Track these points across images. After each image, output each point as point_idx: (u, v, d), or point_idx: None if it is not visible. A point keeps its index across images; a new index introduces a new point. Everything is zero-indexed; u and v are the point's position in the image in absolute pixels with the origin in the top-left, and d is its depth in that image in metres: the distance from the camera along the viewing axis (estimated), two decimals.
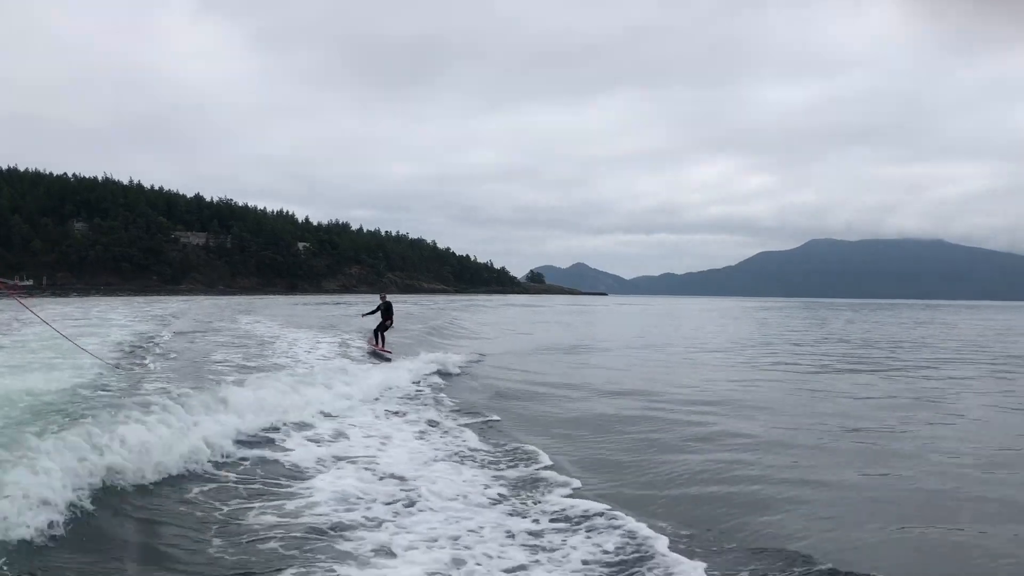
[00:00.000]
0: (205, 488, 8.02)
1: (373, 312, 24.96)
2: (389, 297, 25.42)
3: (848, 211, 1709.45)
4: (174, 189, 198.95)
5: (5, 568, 5.55)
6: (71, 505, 6.65)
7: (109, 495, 7.23)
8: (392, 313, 24.54)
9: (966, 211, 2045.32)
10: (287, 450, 9.86)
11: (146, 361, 18.73)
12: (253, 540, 6.55)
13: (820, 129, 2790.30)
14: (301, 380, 14.03)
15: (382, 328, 24.34)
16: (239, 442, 9.84)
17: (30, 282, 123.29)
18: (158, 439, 8.60)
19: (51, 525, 6.27)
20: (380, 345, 23.94)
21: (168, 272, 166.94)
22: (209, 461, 8.90)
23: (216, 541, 6.53)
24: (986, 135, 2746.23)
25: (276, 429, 10.82)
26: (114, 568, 5.99)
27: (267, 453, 9.62)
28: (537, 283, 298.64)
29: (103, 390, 13.05)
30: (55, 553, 5.99)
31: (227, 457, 9.23)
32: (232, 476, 8.57)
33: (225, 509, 7.36)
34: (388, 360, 21.31)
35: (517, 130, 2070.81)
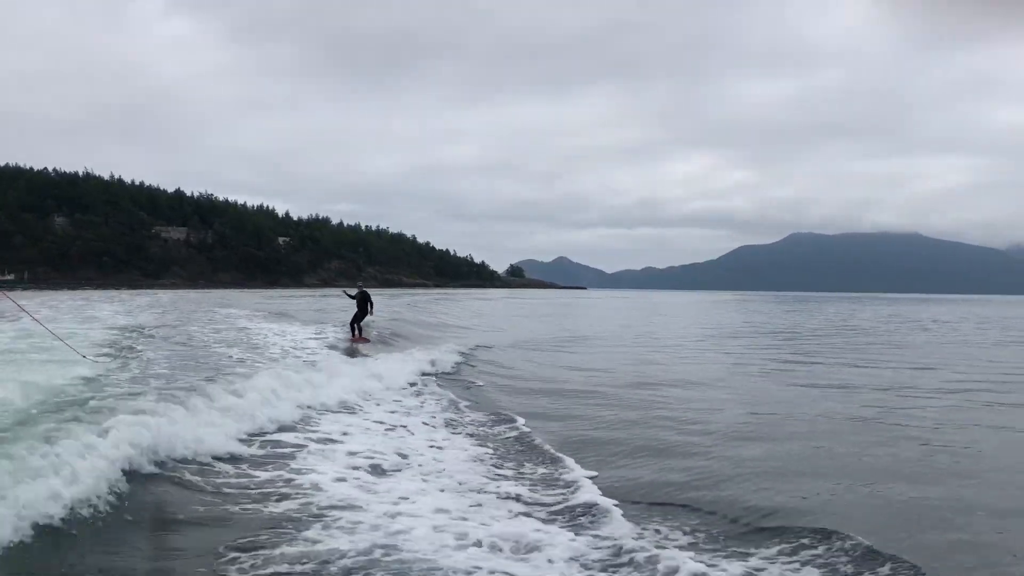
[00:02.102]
0: (209, 486, 8.15)
1: (352, 298, 24.57)
2: (367, 289, 25.24)
3: (826, 206, 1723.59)
4: (153, 183, 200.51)
5: (13, 565, 5.57)
6: (79, 501, 6.72)
7: (115, 490, 7.27)
8: (369, 303, 24.04)
9: (943, 206, 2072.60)
10: (290, 449, 10.02)
11: (137, 353, 19.15)
12: (257, 539, 6.58)
13: (797, 124, 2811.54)
14: (292, 375, 14.14)
15: (358, 319, 24.05)
16: (241, 439, 10.04)
17: (11, 276, 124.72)
18: (162, 434, 8.78)
19: (59, 521, 6.33)
20: (358, 336, 23.71)
21: (150, 267, 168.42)
22: (213, 457, 9.08)
23: (220, 538, 6.59)
24: (961, 131, 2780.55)
25: (269, 429, 10.87)
26: (121, 564, 6.03)
27: (267, 452, 9.77)
28: (517, 277, 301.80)
29: (103, 387, 12.99)
30: (61, 549, 6.02)
31: (229, 454, 9.40)
32: (234, 473, 8.68)
33: (227, 507, 7.47)
34: (364, 347, 21.73)
35: (496, 124, 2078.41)
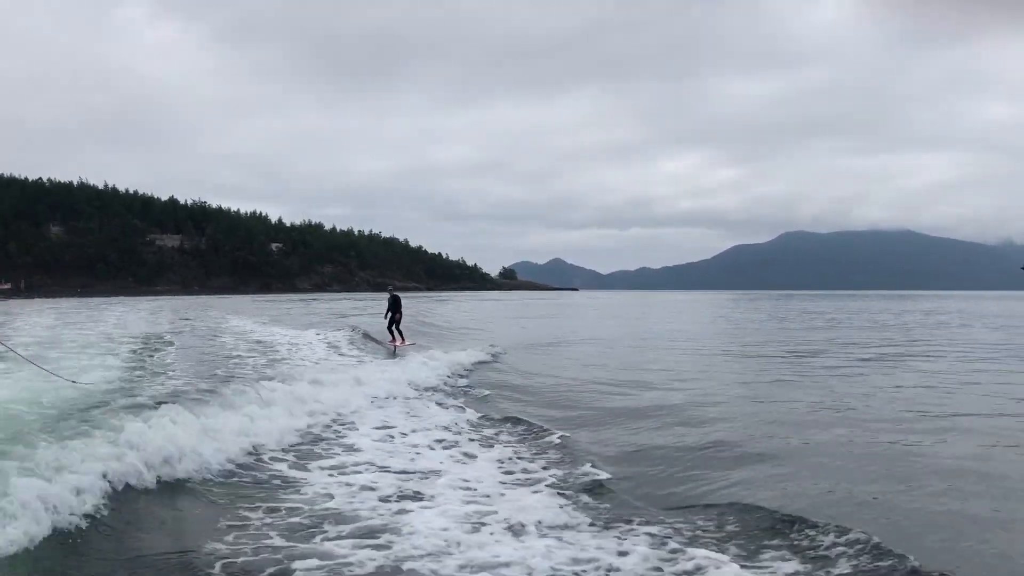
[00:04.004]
0: (224, 492, 7.99)
1: (388, 311, 24.68)
2: (397, 293, 25.72)
3: (816, 203, 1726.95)
4: (144, 188, 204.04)
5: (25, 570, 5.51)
6: (88, 510, 6.64)
7: (125, 498, 7.21)
8: (400, 305, 24.53)
9: (931, 202, 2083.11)
10: (312, 455, 9.85)
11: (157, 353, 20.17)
12: (279, 544, 6.44)
13: (783, 122, 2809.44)
14: (313, 380, 14.01)
15: (394, 322, 24.29)
16: (258, 445, 9.83)
17: (8, 285, 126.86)
18: (184, 440, 8.72)
19: (67, 527, 6.27)
20: (402, 341, 23.89)
21: (143, 273, 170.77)
22: (230, 462, 8.91)
23: (238, 546, 6.42)
24: (947, 126, 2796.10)
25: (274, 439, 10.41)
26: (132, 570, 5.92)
27: (274, 460, 9.48)
28: (509, 279, 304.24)
29: (123, 391, 12.84)
30: (70, 556, 5.97)
31: (249, 457, 9.31)
32: (252, 480, 8.53)
33: (243, 513, 7.29)
34: (400, 349, 22.06)
35: (484, 125, 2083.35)
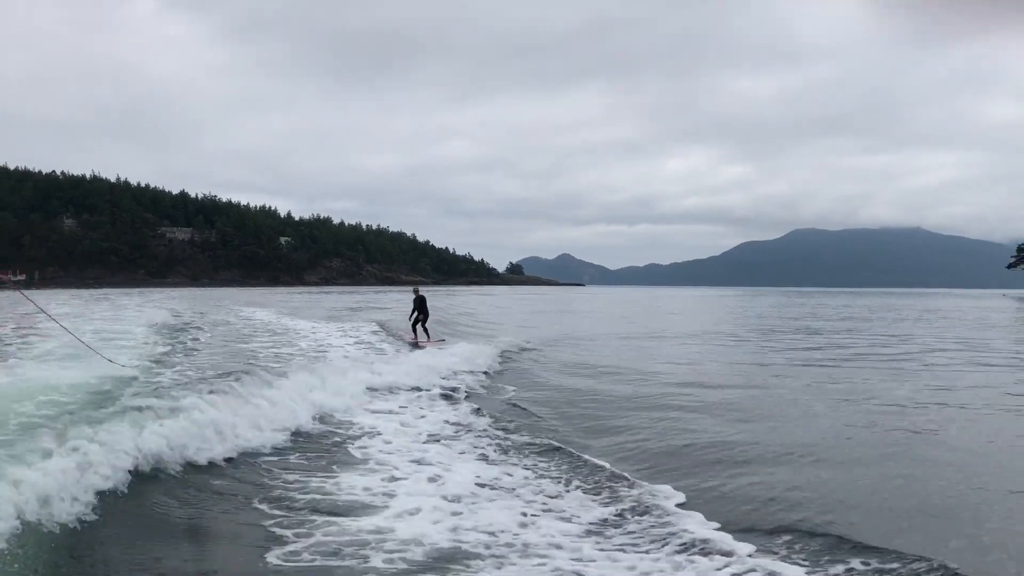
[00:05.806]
0: (248, 478, 8.08)
1: (413, 311, 24.85)
2: (423, 294, 25.53)
3: (824, 201, 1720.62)
4: (154, 183, 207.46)
5: (48, 551, 5.56)
6: (114, 490, 6.78)
7: (149, 482, 7.36)
8: (425, 306, 24.66)
9: (940, 200, 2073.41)
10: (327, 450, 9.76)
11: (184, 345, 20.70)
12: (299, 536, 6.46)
13: (790, 119, 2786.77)
14: (333, 372, 14.01)
15: (418, 322, 24.56)
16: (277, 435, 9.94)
17: (23, 277, 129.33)
18: (204, 427, 8.84)
19: (94, 509, 6.34)
20: (426, 338, 24.11)
21: (154, 266, 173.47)
22: (251, 451, 9.04)
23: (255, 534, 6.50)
24: (954, 125, 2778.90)
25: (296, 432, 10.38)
26: (157, 553, 6.01)
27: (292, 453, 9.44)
28: (516, 274, 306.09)
29: (139, 382, 13.01)
30: (96, 537, 6.05)
31: (268, 447, 9.40)
32: (271, 469, 8.58)
33: (262, 497, 7.40)
34: (430, 346, 21.98)
35: (490, 121, 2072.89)
